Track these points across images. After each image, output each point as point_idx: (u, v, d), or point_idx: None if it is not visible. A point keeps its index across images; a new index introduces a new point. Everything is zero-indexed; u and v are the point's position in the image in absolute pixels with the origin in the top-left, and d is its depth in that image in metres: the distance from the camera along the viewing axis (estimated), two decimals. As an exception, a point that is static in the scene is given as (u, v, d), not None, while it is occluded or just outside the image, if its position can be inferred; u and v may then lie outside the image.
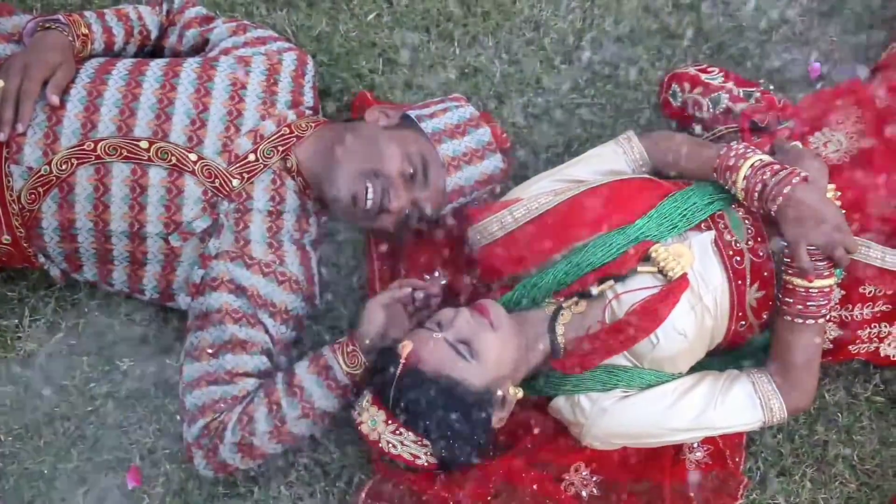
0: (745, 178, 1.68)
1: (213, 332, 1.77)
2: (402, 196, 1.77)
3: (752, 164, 1.68)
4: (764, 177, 1.66)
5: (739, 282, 1.71)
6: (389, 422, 1.60)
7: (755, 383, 1.70)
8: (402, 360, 1.58)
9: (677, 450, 1.83)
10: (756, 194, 1.67)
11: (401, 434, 1.60)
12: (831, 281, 1.67)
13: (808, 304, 1.66)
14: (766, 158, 1.70)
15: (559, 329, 1.71)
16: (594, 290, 1.70)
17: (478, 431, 1.62)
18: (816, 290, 1.66)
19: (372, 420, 1.61)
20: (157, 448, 1.93)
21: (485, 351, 1.61)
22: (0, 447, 1.92)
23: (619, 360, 1.68)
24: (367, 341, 1.72)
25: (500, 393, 1.66)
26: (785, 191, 1.64)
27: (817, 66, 2.12)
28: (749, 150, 1.71)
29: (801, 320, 1.67)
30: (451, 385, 1.58)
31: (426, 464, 1.63)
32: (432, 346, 1.61)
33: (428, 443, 1.60)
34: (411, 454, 1.62)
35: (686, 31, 2.15)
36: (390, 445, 1.61)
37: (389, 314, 1.75)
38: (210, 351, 1.76)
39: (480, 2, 2.16)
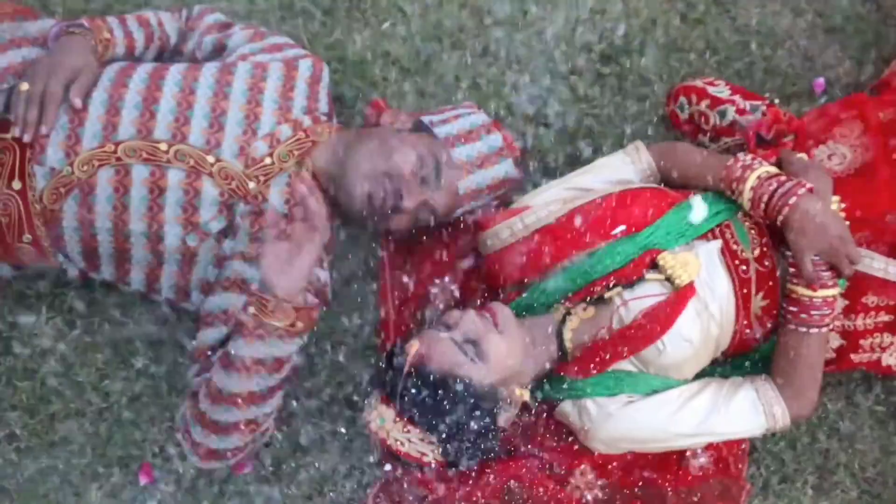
0: (751, 188, 1.70)
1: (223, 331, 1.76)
2: (414, 195, 1.78)
3: (758, 176, 1.70)
4: (770, 188, 1.68)
5: (745, 290, 1.72)
6: (397, 420, 1.61)
7: (758, 390, 1.71)
8: (409, 359, 1.60)
9: (681, 455, 1.84)
10: (762, 205, 1.69)
11: (408, 432, 1.61)
12: (835, 291, 1.68)
13: (812, 313, 1.67)
14: (773, 170, 1.71)
15: (567, 334, 1.73)
16: (603, 297, 1.72)
17: (484, 430, 1.64)
18: (820, 300, 1.67)
19: (381, 418, 1.62)
20: (170, 445, 1.94)
21: (490, 352, 1.62)
22: (16, 442, 1.94)
23: (626, 365, 1.70)
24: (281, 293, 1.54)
25: (505, 394, 1.67)
26: (790, 202, 1.65)
27: (822, 81, 2.14)
28: (755, 162, 1.73)
29: (804, 329, 1.68)
30: (457, 384, 1.59)
31: (433, 462, 1.65)
32: (439, 345, 1.62)
33: (435, 440, 1.62)
34: (419, 452, 1.63)
35: (694, 45, 2.16)
36: (398, 443, 1.63)
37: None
38: None
39: (492, 14, 2.18)
